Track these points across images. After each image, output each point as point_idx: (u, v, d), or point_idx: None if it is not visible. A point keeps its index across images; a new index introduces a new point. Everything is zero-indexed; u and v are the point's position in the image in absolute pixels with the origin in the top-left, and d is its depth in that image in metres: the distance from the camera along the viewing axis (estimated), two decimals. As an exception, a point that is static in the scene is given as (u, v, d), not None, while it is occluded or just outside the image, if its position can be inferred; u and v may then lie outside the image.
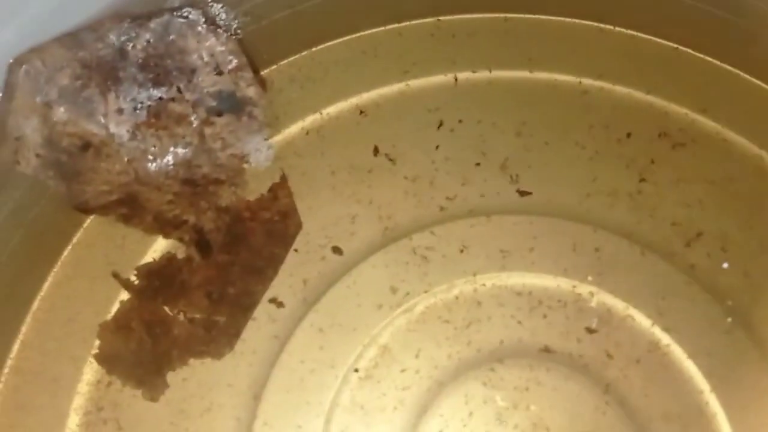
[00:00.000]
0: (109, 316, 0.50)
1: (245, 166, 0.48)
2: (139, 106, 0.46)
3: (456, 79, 0.52)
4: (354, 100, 0.52)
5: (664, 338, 0.51)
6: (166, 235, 0.48)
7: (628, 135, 0.52)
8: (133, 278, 0.49)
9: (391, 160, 0.52)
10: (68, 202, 0.46)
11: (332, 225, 0.52)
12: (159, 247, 0.50)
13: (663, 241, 0.52)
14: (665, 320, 0.51)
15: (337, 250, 0.52)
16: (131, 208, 0.47)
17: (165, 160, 0.46)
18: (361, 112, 0.52)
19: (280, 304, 0.51)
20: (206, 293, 0.50)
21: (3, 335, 0.49)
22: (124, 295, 0.50)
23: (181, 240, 0.48)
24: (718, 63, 0.52)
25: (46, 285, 0.50)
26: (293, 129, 0.52)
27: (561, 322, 0.51)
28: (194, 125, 0.46)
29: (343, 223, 0.52)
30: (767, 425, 0.49)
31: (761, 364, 0.50)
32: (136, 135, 0.46)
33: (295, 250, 0.51)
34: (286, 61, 0.52)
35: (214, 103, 0.47)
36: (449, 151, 0.52)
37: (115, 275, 0.49)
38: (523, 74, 0.52)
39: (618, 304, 0.51)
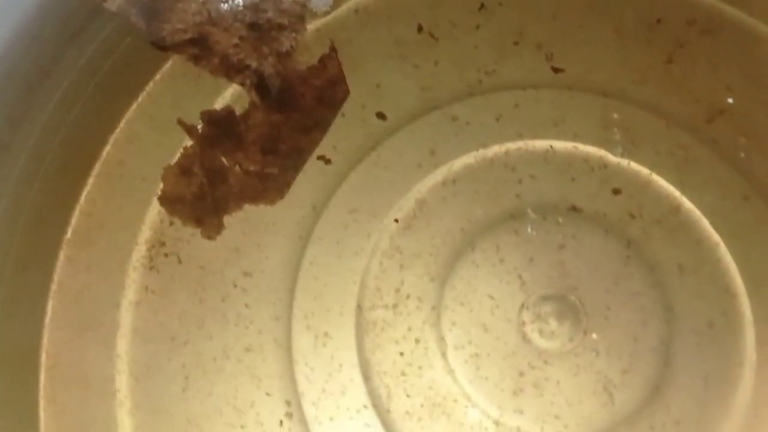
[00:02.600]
0: (174, 160, 0.54)
1: (306, 9, 0.53)
2: (214, -52, 0.51)
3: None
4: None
5: (685, 202, 0.54)
6: (230, 78, 0.53)
7: (658, 21, 0.56)
8: (196, 124, 0.54)
9: (433, 37, 0.57)
10: (147, 38, 0.52)
11: (377, 93, 0.56)
12: (221, 100, 0.55)
13: (687, 117, 0.56)
14: (686, 187, 0.55)
15: (380, 115, 0.56)
16: (202, 48, 0.53)
17: (235, 2, 0.51)
18: (407, -7, 0.56)
19: (327, 161, 0.55)
20: (260, 148, 0.55)
21: (74, 178, 0.54)
22: (188, 142, 0.54)
23: (242, 84, 0.53)
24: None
25: (118, 129, 0.55)
26: (343, 7, 0.57)
27: (588, 184, 0.55)
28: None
29: (388, 92, 0.56)
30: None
31: (776, 227, 0.53)
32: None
33: (343, 115, 0.56)
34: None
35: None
36: (489, 31, 0.56)
37: (180, 121, 0.54)
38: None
39: (642, 171, 0.55)
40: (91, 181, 0.55)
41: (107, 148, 0.55)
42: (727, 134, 0.55)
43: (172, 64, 0.55)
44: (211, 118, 0.55)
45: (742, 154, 0.55)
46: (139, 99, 0.55)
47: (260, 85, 0.53)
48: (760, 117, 0.55)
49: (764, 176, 0.54)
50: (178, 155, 0.55)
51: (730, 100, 0.56)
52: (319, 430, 0.51)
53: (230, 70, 0.53)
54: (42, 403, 0.51)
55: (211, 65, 0.53)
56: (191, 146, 0.55)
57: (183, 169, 0.54)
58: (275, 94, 0.54)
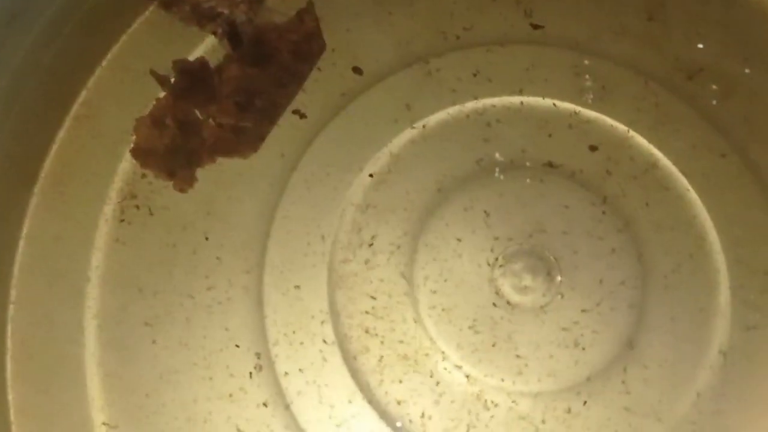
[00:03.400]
0: (146, 111, 0.54)
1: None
2: None
3: None
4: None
5: (661, 159, 0.54)
6: (202, 27, 0.53)
7: (639, -22, 0.56)
8: (169, 75, 0.54)
9: (412, -6, 0.56)
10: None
11: (354, 47, 0.56)
12: (195, 52, 0.55)
13: (666, 74, 0.55)
14: (663, 144, 0.54)
15: (357, 70, 0.56)
16: (172, -6, 0.52)
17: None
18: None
19: (302, 116, 0.55)
20: (235, 102, 0.55)
21: (46, 128, 0.53)
22: (161, 94, 0.54)
23: (214, 33, 0.53)
24: None
25: (91, 79, 0.54)
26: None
27: (565, 140, 0.54)
28: None
29: (364, 46, 0.56)
30: (751, 236, 0.52)
31: (751, 184, 0.53)
32: None
33: (319, 69, 0.56)
34: None
35: None
36: (468, -13, 0.56)
37: (153, 72, 0.54)
38: None
39: (620, 128, 0.55)
40: (62, 131, 0.54)
41: (80, 98, 0.54)
42: (706, 92, 0.55)
43: (146, 14, 0.54)
44: (184, 69, 0.54)
45: (721, 112, 0.54)
46: (113, 49, 0.54)
47: (233, 34, 0.53)
48: (739, 75, 0.55)
49: (742, 134, 0.54)
50: (150, 107, 0.54)
51: (710, 58, 0.55)
52: (288, 381, 0.50)
53: (202, 17, 0.53)
54: (9, 350, 0.50)
55: (182, 12, 0.53)
56: (164, 97, 0.54)
57: (155, 120, 0.54)
58: (249, 44, 0.53)
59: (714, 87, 0.55)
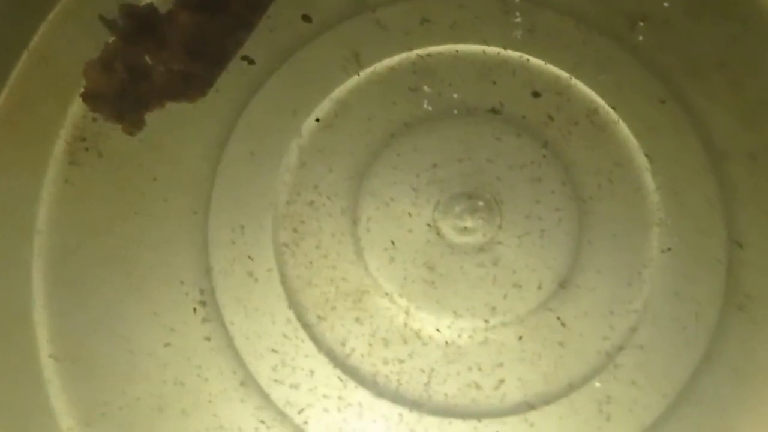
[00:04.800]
0: (96, 55, 0.55)
1: None
2: None
3: None
4: None
5: (603, 105, 0.55)
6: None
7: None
8: (118, 20, 0.54)
9: (358, -55, 0.57)
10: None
11: (303, -4, 0.56)
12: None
13: (608, 21, 0.56)
14: (605, 91, 0.55)
15: (306, 17, 0.57)
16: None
17: None
18: None
19: (251, 61, 0.56)
20: (185, 48, 0.56)
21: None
22: (110, 38, 0.55)
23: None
24: None
25: (43, 24, 0.55)
26: None
27: (508, 87, 0.55)
28: None
29: (314, -5, 0.56)
30: (687, 178, 0.53)
31: (689, 129, 0.54)
32: None
33: (268, 16, 0.57)
34: None
35: None
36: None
37: (102, 17, 0.55)
38: None
39: (562, 75, 0.56)
40: (13, 76, 0.55)
41: (32, 44, 0.55)
42: (648, 40, 0.56)
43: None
44: (132, 13, 0.55)
45: (661, 59, 0.55)
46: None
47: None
48: (680, 23, 0.56)
49: (682, 80, 0.55)
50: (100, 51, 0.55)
51: (650, 7, 0.56)
52: (232, 316, 0.51)
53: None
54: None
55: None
56: (113, 42, 0.55)
57: (105, 64, 0.55)
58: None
59: (654, 35, 0.56)
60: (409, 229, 0.52)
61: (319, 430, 0.49)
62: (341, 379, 0.50)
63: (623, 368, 0.50)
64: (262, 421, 0.50)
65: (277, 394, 0.50)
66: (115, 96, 0.55)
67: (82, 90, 0.54)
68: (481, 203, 0.53)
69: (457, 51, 0.55)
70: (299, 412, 0.50)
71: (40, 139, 0.54)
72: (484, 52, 0.55)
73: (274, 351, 0.51)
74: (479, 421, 0.50)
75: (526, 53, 0.56)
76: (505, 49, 0.56)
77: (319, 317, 0.51)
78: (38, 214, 0.52)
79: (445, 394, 0.50)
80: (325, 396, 0.50)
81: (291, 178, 0.53)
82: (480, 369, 0.50)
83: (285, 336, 0.51)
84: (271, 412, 0.50)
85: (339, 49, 0.56)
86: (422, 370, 0.50)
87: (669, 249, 0.52)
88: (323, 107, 0.55)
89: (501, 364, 0.51)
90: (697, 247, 0.51)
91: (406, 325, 0.51)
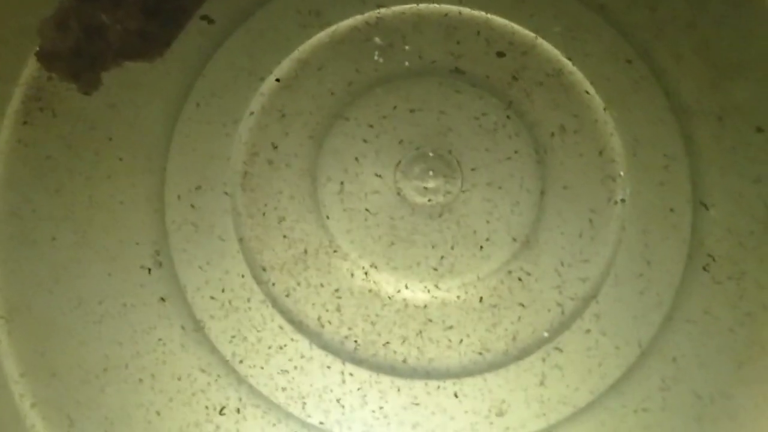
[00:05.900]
0: (51, 14, 0.53)
1: None
2: None
3: None
4: None
5: (567, 65, 0.54)
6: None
7: None
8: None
9: None
10: None
11: (264, -46, 0.55)
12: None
13: (575, -20, 0.55)
14: (570, 50, 0.54)
15: (267, -24, 0.55)
16: None
17: None
18: None
19: (210, 21, 0.55)
20: (141, 7, 0.55)
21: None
22: (65, -2, 0.54)
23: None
24: None
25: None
26: None
27: (473, 47, 0.54)
28: None
29: (273, -45, 0.55)
30: (652, 138, 0.52)
31: (655, 89, 0.53)
32: None
33: (228, -25, 0.55)
34: None
35: None
36: None
37: (56, -27, 0.53)
38: None
39: (528, 35, 0.55)
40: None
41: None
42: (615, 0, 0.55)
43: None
44: (87, -30, 0.54)
45: (627, 18, 0.54)
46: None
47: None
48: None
49: (648, 40, 0.54)
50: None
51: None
52: (187, 278, 0.50)
53: None
54: None
55: None
56: (67, 0, 0.54)
57: (60, 23, 0.54)
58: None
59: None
60: (370, 189, 0.51)
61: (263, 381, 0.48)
62: (294, 339, 0.49)
63: (584, 327, 0.49)
64: (205, 371, 0.49)
65: (228, 349, 0.49)
66: (70, 55, 0.54)
67: (37, 49, 0.53)
68: (443, 164, 0.52)
69: (417, 10, 0.54)
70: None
71: (-6, 104, 0.52)
72: (447, 11, 0.54)
73: (229, 313, 0.50)
74: (441, 380, 0.49)
75: (490, 13, 0.54)
76: (469, 8, 0.54)
77: (276, 278, 0.50)
78: (-9, 174, 0.51)
79: (404, 354, 0.49)
80: (273, 348, 0.49)
81: (249, 138, 0.52)
82: (440, 329, 0.50)
83: (242, 297, 0.50)
84: (220, 366, 0.49)
85: (300, 8, 0.55)
86: (380, 331, 0.50)
87: (626, 202, 0.51)
88: (283, 67, 0.54)
89: (461, 324, 0.50)
90: (660, 206, 0.51)
91: (365, 285, 0.50)
